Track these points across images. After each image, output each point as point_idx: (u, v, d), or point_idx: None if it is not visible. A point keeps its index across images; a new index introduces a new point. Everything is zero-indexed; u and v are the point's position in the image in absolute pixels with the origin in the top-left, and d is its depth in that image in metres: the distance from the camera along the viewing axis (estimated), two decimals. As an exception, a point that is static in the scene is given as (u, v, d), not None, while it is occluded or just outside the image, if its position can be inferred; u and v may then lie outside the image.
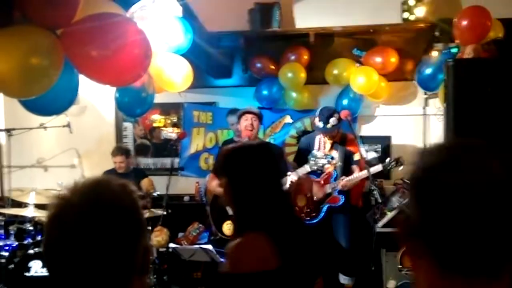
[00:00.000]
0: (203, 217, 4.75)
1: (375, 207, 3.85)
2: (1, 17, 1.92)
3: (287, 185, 3.70)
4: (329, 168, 4.05)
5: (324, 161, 3.71)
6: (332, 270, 4.29)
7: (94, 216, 0.89)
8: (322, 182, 4.11)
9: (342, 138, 4.17)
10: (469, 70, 2.73)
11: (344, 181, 3.98)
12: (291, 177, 3.73)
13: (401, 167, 4.02)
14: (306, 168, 3.77)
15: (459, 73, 2.68)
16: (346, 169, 4.09)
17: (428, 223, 0.75)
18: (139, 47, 2.08)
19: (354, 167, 4.09)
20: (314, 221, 4.09)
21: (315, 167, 3.75)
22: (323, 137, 4.18)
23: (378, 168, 3.97)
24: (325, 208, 4.09)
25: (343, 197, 4.05)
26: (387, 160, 4.06)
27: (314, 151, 4.09)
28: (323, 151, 4.10)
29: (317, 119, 4.11)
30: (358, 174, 3.97)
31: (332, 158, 3.79)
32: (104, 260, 0.89)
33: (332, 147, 4.15)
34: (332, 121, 3.97)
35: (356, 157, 4.12)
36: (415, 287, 0.80)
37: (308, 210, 4.13)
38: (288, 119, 5.26)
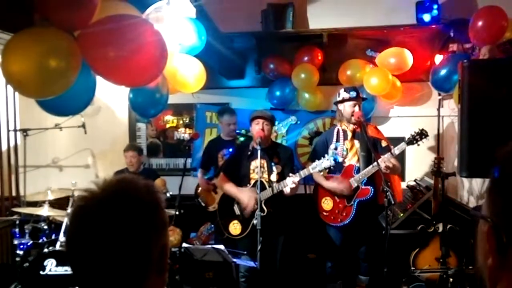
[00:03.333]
0: (215, 217, 4.78)
1: (387, 209, 3.81)
2: (22, 19, 1.95)
3: (289, 188, 3.65)
4: (347, 162, 3.97)
5: (327, 163, 3.60)
6: (353, 272, 4.27)
7: (116, 209, 0.94)
8: (344, 177, 3.95)
9: (364, 128, 3.92)
10: (484, 71, 2.70)
11: (388, 155, 3.73)
12: (292, 179, 3.64)
13: (427, 138, 3.85)
14: (309, 170, 3.69)
15: (474, 74, 2.66)
16: (370, 158, 3.85)
17: None
18: (156, 48, 2.09)
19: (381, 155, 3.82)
20: (347, 221, 3.93)
21: (318, 169, 3.66)
22: (341, 125, 4.05)
23: (402, 146, 3.82)
24: (355, 204, 3.91)
25: (373, 188, 3.88)
26: (410, 135, 3.85)
27: (333, 144, 4.00)
28: (343, 142, 4.00)
29: (345, 94, 3.98)
30: (387, 155, 3.75)
31: (335, 160, 3.62)
32: (121, 252, 0.92)
33: (353, 136, 4.02)
34: (355, 111, 3.90)
35: (384, 143, 3.94)
36: None
37: (337, 211, 3.97)
38: (293, 120, 5.25)
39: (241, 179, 3.96)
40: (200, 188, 4.86)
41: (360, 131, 3.95)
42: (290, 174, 3.70)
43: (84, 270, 0.95)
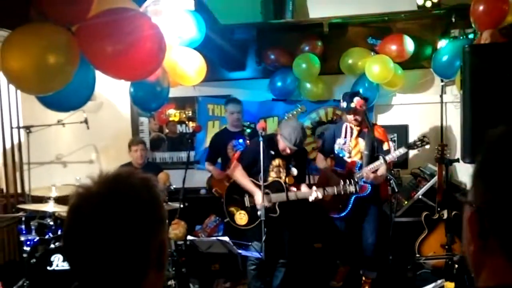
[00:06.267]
0: (220, 209, 4.79)
1: (391, 197, 3.81)
2: (18, 15, 1.95)
3: (313, 197, 3.66)
4: (351, 158, 4.01)
5: (351, 188, 3.63)
6: (356, 265, 4.29)
7: (110, 207, 0.92)
8: (346, 172, 4.02)
9: (370, 127, 3.97)
10: (486, 56, 2.68)
11: (367, 170, 3.85)
12: (315, 194, 3.66)
13: (428, 146, 3.85)
14: (333, 189, 3.70)
15: (476, 59, 2.64)
16: (373, 158, 3.91)
17: (506, 221, 0.66)
18: (153, 41, 2.08)
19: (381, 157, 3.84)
20: (343, 214, 4.01)
21: (342, 192, 3.69)
22: (349, 123, 4.10)
23: (401, 150, 3.84)
24: (352, 199, 3.95)
25: (370, 186, 3.91)
26: (411, 140, 3.88)
27: (339, 139, 4.07)
28: (349, 138, 4.06)
29: (342, 103, 4.04)
30: (377, 162, 3.80)
31: (356, 188, 3.66)
32: (118, 250, 0.91)
33: (358, 135, 4.06)
34: (356, 100, 3.89)
35: (385, 146, 3.99)
36: (480, 282, 0.72)
37: (335, 203, 4.02)
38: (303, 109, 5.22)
39: (257, 175, 3.78)
40: (212, 180, 4.80)
41: (367, 131, 3.99)
42: (314, 188, 3.72)
43: (81, 268, 0.93)
